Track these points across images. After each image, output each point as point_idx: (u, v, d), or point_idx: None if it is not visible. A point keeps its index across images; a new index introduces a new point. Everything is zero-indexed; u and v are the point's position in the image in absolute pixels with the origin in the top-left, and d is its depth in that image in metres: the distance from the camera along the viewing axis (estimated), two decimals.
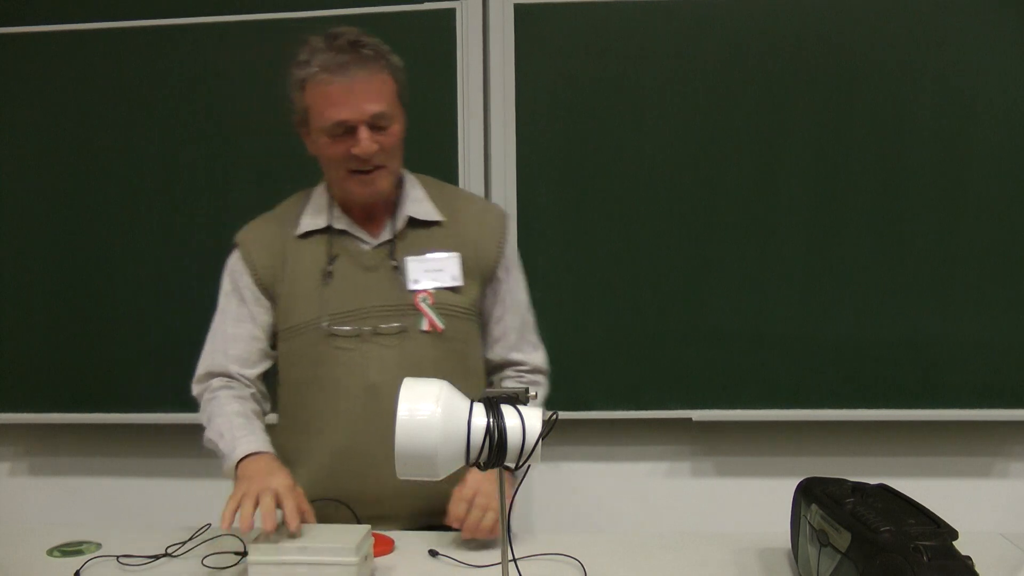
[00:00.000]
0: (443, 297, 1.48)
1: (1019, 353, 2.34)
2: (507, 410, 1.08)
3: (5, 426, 2.67)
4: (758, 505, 2.52)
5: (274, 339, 1.57)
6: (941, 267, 2.35)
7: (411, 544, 1.40)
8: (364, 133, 1.41)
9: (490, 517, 1.36)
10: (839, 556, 1.06)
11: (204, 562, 1.34)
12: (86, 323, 2.56)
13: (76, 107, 2.54)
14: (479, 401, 1.09)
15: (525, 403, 1.11)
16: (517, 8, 2.40)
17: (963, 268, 2.35)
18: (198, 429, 2.60)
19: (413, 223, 1.53)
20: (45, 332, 2.57)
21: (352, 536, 1.24)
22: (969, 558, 0.96)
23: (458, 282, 1.50)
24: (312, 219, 1.54)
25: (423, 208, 1.54)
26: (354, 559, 1.20)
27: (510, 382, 1.60)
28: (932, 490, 2.43)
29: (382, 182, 1.47)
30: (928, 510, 1.07)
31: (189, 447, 2.69)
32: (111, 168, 2.54)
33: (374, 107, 1.40)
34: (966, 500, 2.48)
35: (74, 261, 2.56)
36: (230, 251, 1.62)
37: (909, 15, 2.32)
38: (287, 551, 1.21)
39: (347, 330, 1.47)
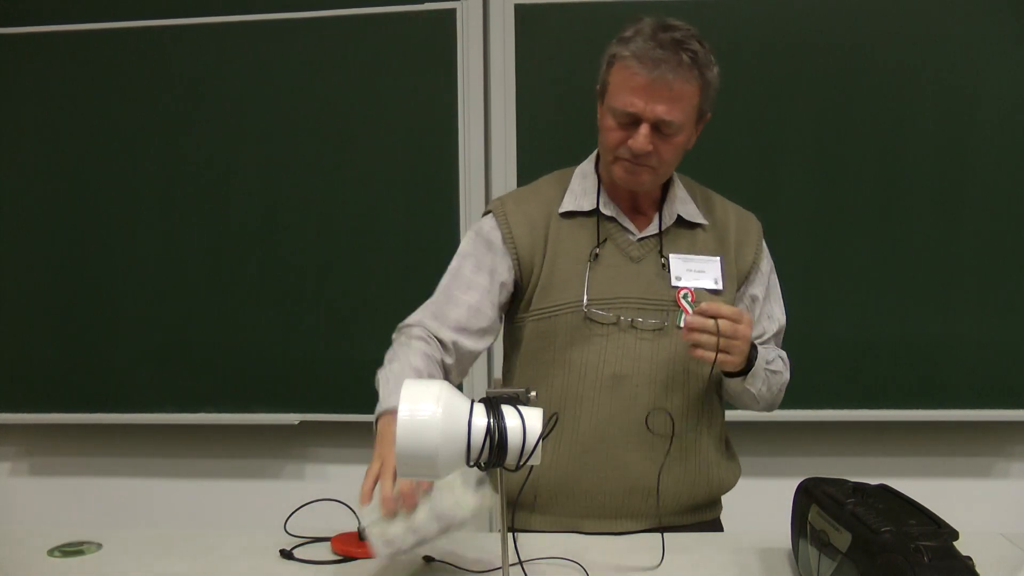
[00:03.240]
0: (704, 297, 1.46)
1: (1019, 353, 2.34)
2: (507, 410, 1.08)
3: (5, 426, 2.67)
4: (758, 505, 2.52)
5: (503, 315, 1.53)
6: (941, 267, 2.35)
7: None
8: (644, 130, 1.37)
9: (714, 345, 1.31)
10: (840, 556, 1.06)
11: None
12: (86, 323, 2.56)
13: (76, 107, 2.54)
14: (480, 401, 1.09)
15: (525, 403, 1.11)
16: (517, 8, 2.40)
17: (963, 268, 2.35)
18: (198, 429, 2.63)
19: (678, 222, 1.51)
20: (45, 332, 2.57)
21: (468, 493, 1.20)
22: (970, 558, 0.96)
23: (719, 286, 1.48)
24: (577, 199, 1.51)
25: (690, 209, 1.53)
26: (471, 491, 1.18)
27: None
28: (932, 490, 2.43)
29: (644, 177, 1.43)
30: (929, 510, 1.07)
31: (189, 447, 2.70)
32: (111, 168, 2.54)
33: (664, 112, 1.36)
34: (966, 500, 2.48)
35: (74, 261, 2.56)
36: (483, 215, 1.56)
37: (909, 15, 2.32)
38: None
39: (605, 316, 1.45)
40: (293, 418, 2.52)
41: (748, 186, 2.38)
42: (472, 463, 1.07)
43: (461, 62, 2.43)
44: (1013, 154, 2.32)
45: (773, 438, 2.50)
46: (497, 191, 2.43)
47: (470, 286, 1.48)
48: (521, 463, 1.07)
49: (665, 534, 1.45)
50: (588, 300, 1.45)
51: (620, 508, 1.47)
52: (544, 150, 2.43)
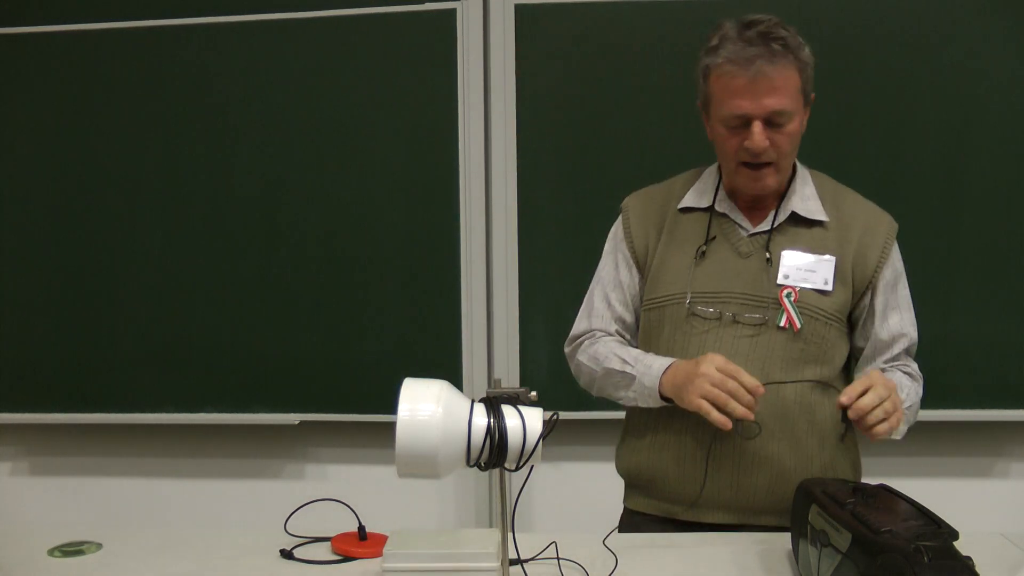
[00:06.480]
0: (808, 298, 1.46)
1: (1019, 353, 2.34)
2: (507, 410, 1.08)
3: (5, 426, 2.67)
4: None
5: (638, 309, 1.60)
6: (941, 267, 2.35)
7: None
8: (757, 127, 1.38)
9: (884, 417, 1.29)
10: (840, 556, 1.06)
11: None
12: (86, 323, 2.56)
13: (76, 107, 2.54)
14: (480, 401, 1.09)
15: (525, 403, 1.11)
16: (517, 8, 2.40)
17: (963, 268, 2.35)
18: (198, 429, 2.63)
19: (795, 219, 1.50)
20: (45, 332, 2.57)
21: (490, 540, 1.21)
22: (970, 558, 0.96)
23: (828, 287, 1.46)
24: (696, 196, 1.55)
25: (808, 206, 1.51)
26: (495, 564, 1.17)
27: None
28: (932, 490, 2.42)
29: (769, 179, 1.44)
30: (929, 510, 1.07)
31: (189, 447, 2.69)
32: (111, 168, 2.54)
33: (773, 103, 1.38)
34: (967, 500, 2.48)
35: (74, 261, 2.56)
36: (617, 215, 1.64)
37: (910, 15, 2.32)
38: (423, 558, 1.18)
39: (709, 312, 1.47)
40: (293, 418, 2.52)
41: None
42: (472, 463, 1.07)
43: (461, 62, 2.42)
44: (1014, 154, 2.32)
45: None
46: (497, 191, 2.44)
47: (615, 285, 1.58)
48: (521, 463, 1.07)
49: (667, 534, 1.46)
50: (692, 295, 1.47)
51: (714, 500, 1.45)
52: (544, 150, 2.43)
